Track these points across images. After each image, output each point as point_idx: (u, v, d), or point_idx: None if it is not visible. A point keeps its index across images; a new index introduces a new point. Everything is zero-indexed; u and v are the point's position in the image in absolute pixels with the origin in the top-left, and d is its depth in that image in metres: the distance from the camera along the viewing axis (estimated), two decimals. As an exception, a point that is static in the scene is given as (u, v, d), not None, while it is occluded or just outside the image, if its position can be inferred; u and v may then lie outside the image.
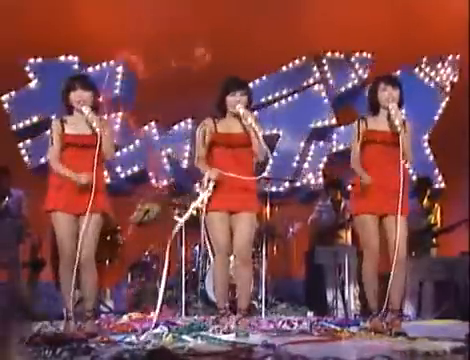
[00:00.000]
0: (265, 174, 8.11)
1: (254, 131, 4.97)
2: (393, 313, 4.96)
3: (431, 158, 9.55)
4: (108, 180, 8.37)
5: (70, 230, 4.82)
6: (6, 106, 9.63)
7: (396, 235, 4.90)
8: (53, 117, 9.40)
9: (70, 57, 9.63)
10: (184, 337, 4.41)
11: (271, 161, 9.36)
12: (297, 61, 9.84)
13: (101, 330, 4.92)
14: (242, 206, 5.03)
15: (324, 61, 9.83)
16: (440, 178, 9.49)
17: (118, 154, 9.14)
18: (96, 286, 4.97)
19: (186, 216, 5.08)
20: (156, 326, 4.82)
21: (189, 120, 9.60)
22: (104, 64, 9.65)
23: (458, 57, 9.72)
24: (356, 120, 5.16)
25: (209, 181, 4.95)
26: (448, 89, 9.76)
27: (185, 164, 9.47)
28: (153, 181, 9.48)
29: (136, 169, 9.54)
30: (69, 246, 4.80)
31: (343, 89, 9.83)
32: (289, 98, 9.79)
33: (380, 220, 5.02)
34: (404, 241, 4.97)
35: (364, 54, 9.76)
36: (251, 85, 9.09)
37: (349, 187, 9.15)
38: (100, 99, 5.30)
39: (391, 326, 4.90)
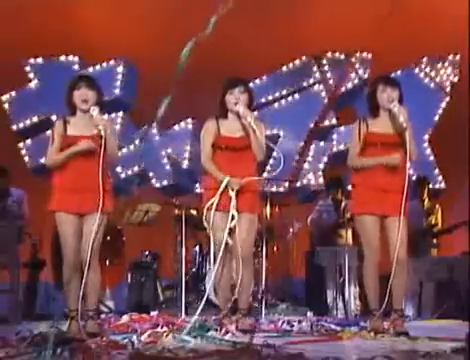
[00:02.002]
0: (265, 174, 8.13)
1: (253, 130, 4.97)
2: (395, 313, 4.95)
3: (431, 158, 9.55)
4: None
5: (73, 230, 4.79)
6: (6, 106, 9.64)
7: (397, 235, 4.90)
8: (53, 117, 9.52)
9: (70, 57, 9.64)
10: (184, 337, 4.40)
11: (271, 161, 9.37)
12: (297, 61, 9.85)
13: (102, 330, 4.91)
14: (243, 207, 5.03)
15: (324, 61, 9.84)
16: (440, 178, 9.48)
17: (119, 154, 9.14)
18: (99, 285, 4.96)
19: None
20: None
21: (189, 120, 9.61)
22: (104, 64, 9.66)
23: (458, 57, 9.73)
24: (356, 121, 5.14)
25: (232, 189, 4.95)
26: (448, 89, 9.77)
27: (185, 164, 9.47)
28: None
29: (136, 169, 9.54)
30: (73, 246, 4.78)
31: (343, 89, 9.83)
32: (289, 98, 9.79)
33: (382, 220, 5.01)
34: (405, 241, 4.96)
35: (364, 54, 9.76)
36: (251, 85, 9.16)
37: (349, 187, 9.30)
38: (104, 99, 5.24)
39: (394, 326, 4.90)
